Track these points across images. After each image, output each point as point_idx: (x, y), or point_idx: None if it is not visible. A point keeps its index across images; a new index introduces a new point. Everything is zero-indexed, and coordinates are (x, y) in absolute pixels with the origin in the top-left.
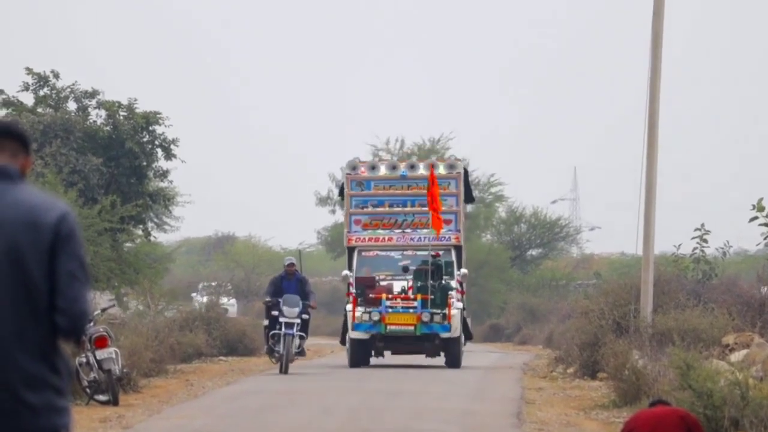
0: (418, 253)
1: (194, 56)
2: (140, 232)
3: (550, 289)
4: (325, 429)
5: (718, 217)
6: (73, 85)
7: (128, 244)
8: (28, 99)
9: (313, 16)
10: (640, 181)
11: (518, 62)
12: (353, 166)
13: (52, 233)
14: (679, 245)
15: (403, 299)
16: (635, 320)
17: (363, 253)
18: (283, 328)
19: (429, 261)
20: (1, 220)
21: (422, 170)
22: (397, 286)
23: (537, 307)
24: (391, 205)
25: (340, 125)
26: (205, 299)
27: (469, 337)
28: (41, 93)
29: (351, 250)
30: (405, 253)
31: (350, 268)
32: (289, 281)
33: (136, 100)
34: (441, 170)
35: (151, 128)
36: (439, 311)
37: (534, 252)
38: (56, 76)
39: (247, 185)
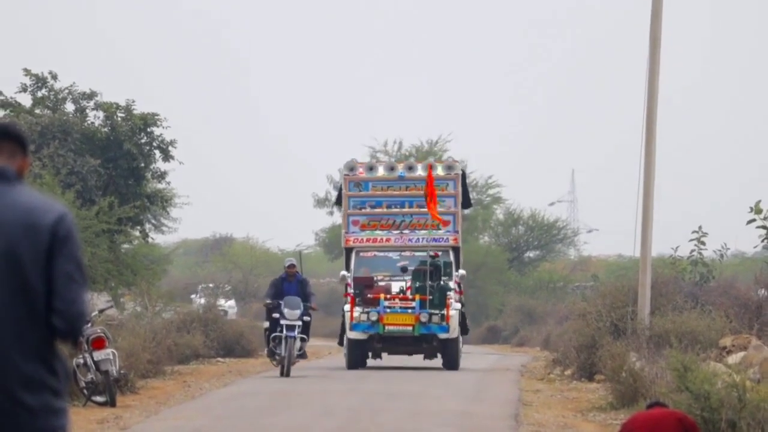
0: (416, 254)
1: (193, 58)
2: (138, 234)
3: (548, 291)
4: (324, 430)
5: (716, 220)
6: (71, 86)
7: (126, 246)
8: (25, 100)
9: (312, 17)
10: (638, 184)
11: (517, 64)
12: (351, 167)
13: (50, 235)
14: (677, 247)
15: (401, 299)
16: (632, 322)
17: (361, 254)
18: (284, 331)
19: (428, 261)
20: None
21: (420, 171)
22: (396, 286)
23: (534, 309)
24: (389, 206)
25: (339, 127)
26: (202, 300)
27: (465, 332)
28: (39, 94)
29: (349, 250)
30: (403, 254)
31: (348, 269)
32: (290, 283)
33: (134, 101)
34: (439, 171)
35: (148, 130)
36: (437, 312)
37: (532, 254)
38: (54, 77)
39: (245, 187)
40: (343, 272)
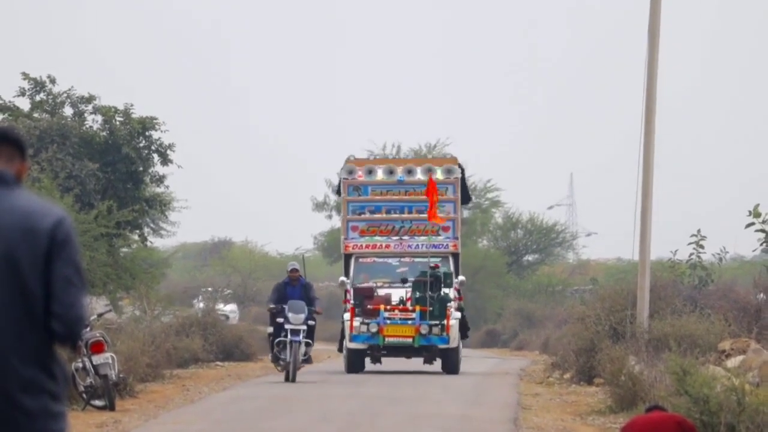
0: (416, 260)
1: (192, 61)
2: (137, 238)
3: (547, 294)
4: None
5: (715, 223)
6: (70, 90)
7: (125, 250)
8: (24, 104)
9: (311, 20)
10: (637, 187)
11: (516, 68)
12: (350, 171)
13: (48, 239)
14: (676, 251)
15: (401, 310)
16: (632, 326)
17: (360, 260)
18: (289, 335)
19: (428, 272)
20: None
21: (419, 175)
22: (395, 295)
23: (533, 312)
24: (388, 211)
25: (338, 131)
26: (201, 305)
27: (465, 336)
28: (37, 98)
29: (348, 257)
30: (402, 260)
31: (347, 275)
32: (293, 287)
33: (132, 105)
34: (438, 175)
35: (147, 133)
36: (437, 323)
37: (530, 257)
38: (52, 81)
39: (243, 190)
40: (343, 278)
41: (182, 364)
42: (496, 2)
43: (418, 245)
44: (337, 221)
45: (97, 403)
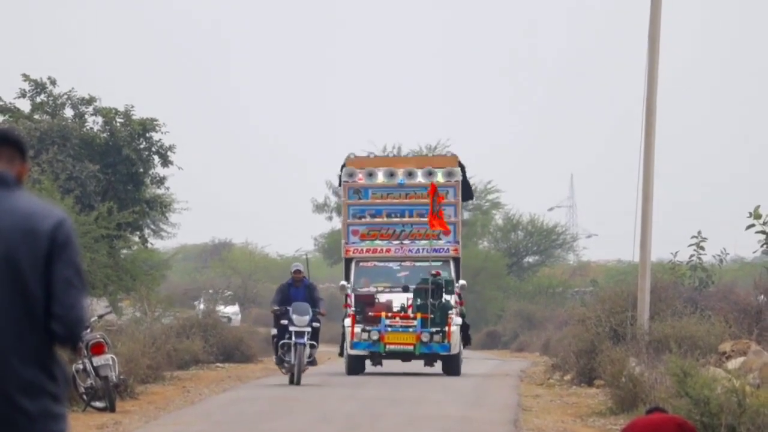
0: (417, 264)
1: (192, 63)
2: (137, 239)
3: (547, 296)
4: None
5: (715, 225)
6: (70, 91)
7: (125, 251)
8: (24, 106)
9: (311, 22)
10: (637, 189)
11: (516, 70)
12: (350, 173)
13: (49, 240)
14: (676, 252)
15: (402, 318)
16: (632, 327)
17: (361, 264)
18: (293, 338)
19: (429, 280)
20: None
21: (420, 178)
22: (396, 300)
23: (534, 314)
24: (389, 215)
25: (338, 132)
26: (202, 306)
27: (467, 343)
28: (38, 100)
29: (349, 261)
30: (403, 264)
31: (348, 279)
32: (297, 288)
33: (132, 106)
34: (439, 178)
35: (147, 135)
36: (438, 330)
37: (531, 259)
38: (53, 82)
39: (244, 192)
40: (343, 282)
41: (183, 366)
42: (496, 3)
43: (419, 249)
44: (337, 223)
45: (98, 404)
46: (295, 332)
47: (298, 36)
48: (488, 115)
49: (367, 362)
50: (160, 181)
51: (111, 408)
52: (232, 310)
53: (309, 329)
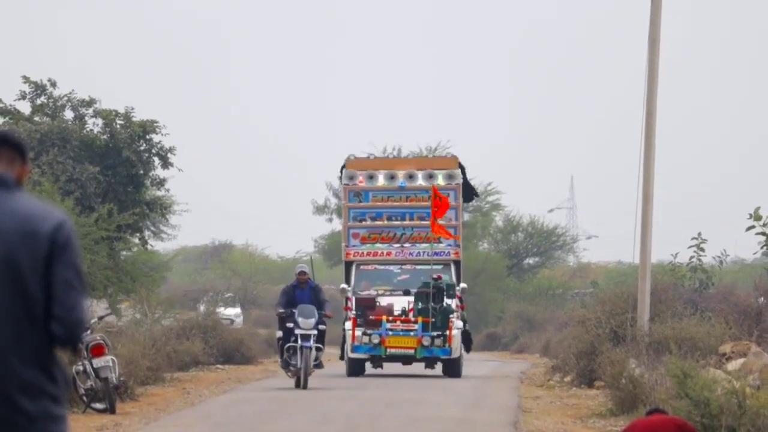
0: (417, 267)
1: (192, 65)
2: (137, 241)
3: (547, 297)
4: None
5: (715, 226)
6: (70, 93)
7: (125, 253)
8: (25, 108)
9: (311, 22)
10: (637, 190)
11: (515, 70)
12: (351, 176)
13: (49, 242)
14: (676, 254)
15: (403, 321)
16: (632, 329)
17: (361, 267)
18: (299, 341)
19: (430, 283)
20: None
21: (421, 181)
22: (397, 304)
23: (534, 315)
24: (389, 218)
25: (338, 134)
26: (202, 308)
27: (468, 349)
28: (38, 102)
29: (349, 264)
30: (404, 267)
31: (348, 282)
32: (302, 290)
33: (133, 108)
34: (440, 181)
35: (148, 137)
36: (439, 334)
37: (531, 261)
38: (53, 84)
39: (244, 194)
40: (344, 285)
41: (183, 367)
42: (496, 3)
43: (419, 252)
44: (337, 224)
45: (98, 406)
46: (301, 335)
47: (298, 36)
48: (488, 116)
49: (367, 364)
50: (160, 182)
51: (111, 409)
52: (233, 312)
53: (315, 332)
